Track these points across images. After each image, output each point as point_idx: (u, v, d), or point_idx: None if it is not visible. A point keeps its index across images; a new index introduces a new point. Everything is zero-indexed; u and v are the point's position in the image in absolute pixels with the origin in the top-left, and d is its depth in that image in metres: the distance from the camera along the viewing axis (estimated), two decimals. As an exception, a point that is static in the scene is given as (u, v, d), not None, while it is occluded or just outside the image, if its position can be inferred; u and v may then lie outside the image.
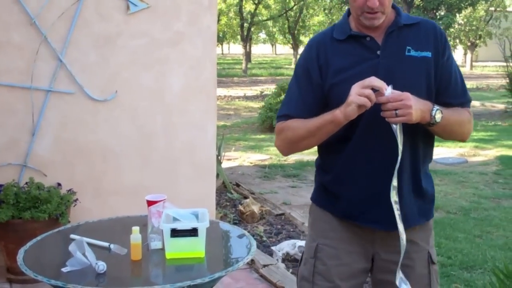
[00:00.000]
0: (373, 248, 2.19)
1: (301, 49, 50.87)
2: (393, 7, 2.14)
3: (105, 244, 2.54)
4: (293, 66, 37.61)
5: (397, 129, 1.94)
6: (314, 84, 2.11)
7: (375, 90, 1.91)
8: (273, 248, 4.68)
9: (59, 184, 4.25)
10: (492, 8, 30.87)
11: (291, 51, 43.24)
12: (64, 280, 2.17)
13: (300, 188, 7.29)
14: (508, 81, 15.41)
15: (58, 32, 4.19)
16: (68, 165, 4.36)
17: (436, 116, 1.97)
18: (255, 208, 5.65)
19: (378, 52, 2.05)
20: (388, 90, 1.90)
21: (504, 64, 15.56)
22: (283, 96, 12.51)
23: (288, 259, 4.54)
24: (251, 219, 5.59)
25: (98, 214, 3.54)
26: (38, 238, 2.65)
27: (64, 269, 2.25)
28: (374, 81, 1.90)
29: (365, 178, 2.10)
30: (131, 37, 4.38)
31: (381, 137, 2.02)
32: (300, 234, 5.23)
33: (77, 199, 4.22)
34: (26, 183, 4.10)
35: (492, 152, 9.83)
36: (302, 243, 4.62)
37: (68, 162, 4.36)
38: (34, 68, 4.15)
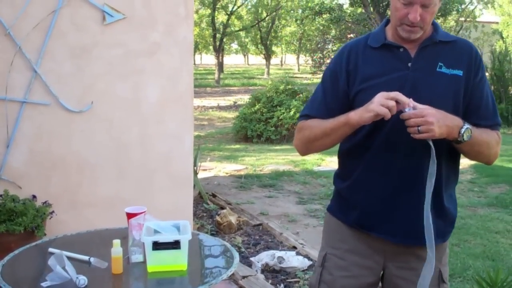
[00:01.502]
0: (384, 262, 2.18)
1: (273, 59, 51.10)
2: (433, 23, 2.13)
3: (85, 257, 2.49)
4: (265, 76, 37.75)
5: (432, 147, 1.94)
6: (340, 90, 2.13)
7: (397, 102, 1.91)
8: (252, 259, 4.65)
9: (34, 197, 4.18)
10: (463, 19, 31.36)
11: (264, 61, 43.39)
12: (44, 295, 2.13)
13: (276, 198, 7.28)
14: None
15: (33, 42, 4.13)
16: (43, 177, 4.29)
17: (465, 135, 1.95)
18: (233, 219, 5.62)
19: (409, 65, 2.05)
20: (409, 108, 1.90)
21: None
22: (257, 106, 12.57)
23: (268, 270, 4.51)
24: (228, 230, 5.56)
25: (74, 226, 3.49)
26: (16, 252, 2.59)
27: (44, 284, 2.20)
28: (400, 95, 1.91)
29: (381, 189, 2.09)
30: (107, 48, 4.34)
31: (401, 150, 2.03)
32: (279, 245, 5.21)
33: (53, 211, 4.15)
34: (1, 195, 4.01)
35: (466, 161, 9.82)
36: (281, 253, 4.61)
37: (43, 174, 4.29)
38: (9, 79, 4.09)
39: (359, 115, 1.96)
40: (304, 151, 2.28)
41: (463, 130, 1.95)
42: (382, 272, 2.23)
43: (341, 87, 2.12)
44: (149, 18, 4.45)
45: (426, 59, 2.05)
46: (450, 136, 1.95)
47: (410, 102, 1.90)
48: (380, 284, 2.28)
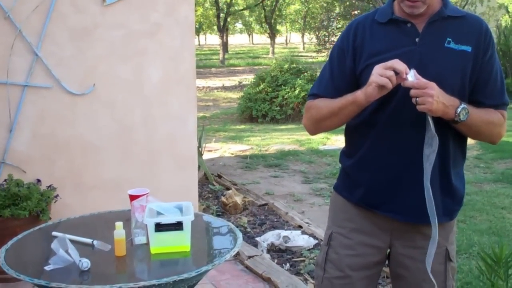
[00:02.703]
0: (391, 240, 2.17)
1: (278, 38, 50.89)
2: None
3: (88, 240, 2.49)
4: (270, 55, 37.60)
5: (430, 120, 1.92)
6: (347, 67, 2.11)
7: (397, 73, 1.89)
8: (257, 239, 4.66)
9: (38, 180, 4.18)
10: (467, -6, 31.06)
11: (268, 40, 43.20)
12: (47, 278, 2.13)
13: (282, 178, 7.28)
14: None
15: (33, 25, 4.10)
16: (47, 160, 4.28)
17: (461, 114, 1.94)
18: (238, 199, 5.62)
19: (417, 40, 2.02)
20: (411, 74, 1.88)
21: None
22: (262, 86, 12.53)
23: (273, 250, 4.52)
24: (234, 210, 5.56)
25: (79, 210, 3.49)
26: (19, 236, 2.59)
27: (47, 267, 2.21)
28: (396, 63, 1.89)
29: (387, 166, 2.08)
30: (108, 29, 4.31)
31: (407, 127, 2.01)
32: (284, 224, 5.21)
33: (57, 195, 4.15)
34: (5, 180, 4.02)
35: (471, 137, 9.87)
36: (286, 233, 4.61)
37: (47, 157, 4.28)
38: (10, 63, 4.07)
39: (364, 92, 1.95)
40: (313, 131, 2.27)
41: (459, 109, 1.93)
42: (388, 251, 2.22)
43: (348, 65, 2.10)
44: (150, -2, 4.41)
45: (434, 34, 2.02)
46: (446, 115, 1.94)
47: (406, 69, 1.88)
48: (386, 262, 2.27)
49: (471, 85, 2.03)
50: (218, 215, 5.29)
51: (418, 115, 1.94)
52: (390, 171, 2.07)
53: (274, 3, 37.64)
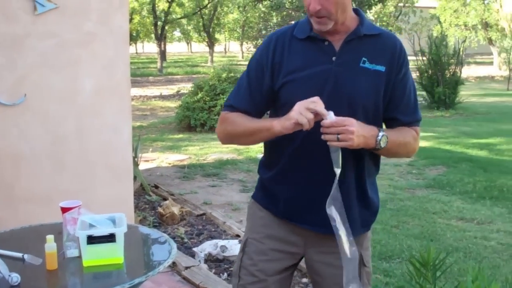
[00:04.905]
0: (305, 247, 2.20)
1: (217, 47, 50.99)
2: (358, 14, 2.12)
3: (19, 254, 2.43)
4: (209, 64, 37.58)
5: (337, 152, 1.95)
6: (265, 83, 2.12)
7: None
8: (194, 249, 4.64)
9: (-33, 194, 4.05)
10: (401, 4, 31.95)
11: (207, 49, 43.17)
12: (-26, 295, 2.07)
13: (220, 187, 7.28)
14: (418, 74, 15.99)
15: (-40, 34, 3.99)
16: (-23, 173, 4.16)
17: (381, 142, 1.98)
18: (175, 210, 5.59)
19: (334, 58, 2.03)
20: (330, 115, 1.90)
21: (414, 58, 16.14)
22: (200, 95, 12.52)
23: (211, 260, 4.51)
24: (171, 221, 5.52)
25: (10, 223, 3.39)
26: None
27: (-26, 284, 2.15)
28: (319, 106, 1.90)
29: (303, 181, 2.10)
30: (40, 38, 4.22)
31: (323, 145, 2.00)
32: (222, 234, 5.22)
33: (-13, 209, 4.03)
34: None
35: (404, 144, 10.13)
36: (224, 242, 4.61)
37: (-24, 170, 4.16)
38: None
39: (281, 124, 1.97)
40: (225, 143, 2.31)
41: (379, 138, 1.97)
42: (303, 256, 2.26)
43: (266, 81, 2.11)
44: (82, 7, 4.34)
45: (350, 53, 2.04)
46: (368, 146, 1.98)
47: (326, 113, 1.90)
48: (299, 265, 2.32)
49: (385, 103, 2.08)
50: (155, 226, 5.25)
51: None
52: (305, 187, 2.10)
53: (212, 12, 37.71)
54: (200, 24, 40.00)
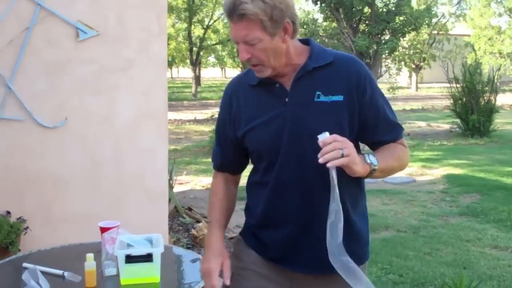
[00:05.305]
0: (291, 286, 2.11)
1: (250, 73, 51.13)
2: (309, 43, 2.03)
3: (59, 272, 2.52)
4: (242, 89, 37.70)
5: (334, 176, 1.81)
6: (230, 136, 2.12)
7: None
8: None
9: (8, 212, 4.18)
10: (435, 32, 31.86)
11: (241, 74, 43.41)
12: (18, 309, 2.16)
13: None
14: (452, 101, 15.87)
15: (7, 59, 4.16)
16: (17, 193, 4.30)
17: (371, 159, 1.89)
18: (208, 232, 5.64)
19: (286, 100, 1.95)
20: (326, 134, 1.79)
21: (448, 85, 16.03)
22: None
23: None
24: (204, 243, 5.58)
25: (48, 242, 3.50)
26: (-10, 268, 2.62)
27: (17, 299, 2.24)
28: (211, 280, 2.06)
29: (284, 226, 2.03)
30: (81, 64, 4.38)
31: (295, 188, 1.97)
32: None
33: (27, 227, 4.16)
34: (-26, 212, 4.02)
35: (438, 171, 10.09)
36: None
37: (17, 190, 4.30)
38: (-18, 96, 4.11)
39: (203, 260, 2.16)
40: None
41: (368, 159, 1.90)
42: None
43: (231, 133, 2.11)
44: (122, 34, 4.49)
45: (302, 90, 1.94)
46: (365, 168, 1.88)
47: (324, 133, 1.80)
48: None
49: (354, 130, 1.96)
50: (188, 248, 5.32)
51: (302, 175, 1.94)
52: (288, 231, 2.03)
53: (246, 38, 38.02)
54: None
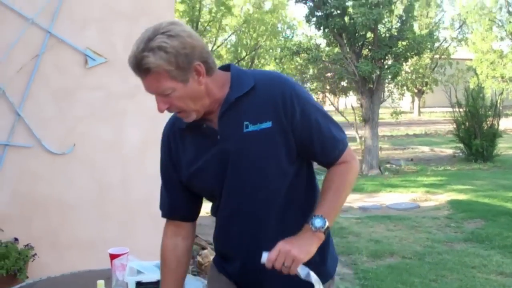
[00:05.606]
0: None
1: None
2: (230, 68, 1.91)
3: (70, 299, 2.54)
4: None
5: (300, 272, 1.76)
6: (174, 178, 2.03)
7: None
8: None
9: (16, 239, 4.20)
10: (437, 56, 31.99)
11: (243, 99, 43.62)
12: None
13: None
14: (455, 126, 15.91)
15: (16, 86, 4.21)
16: (25, 219, 4.32)
17: (317, 224, 1.81)
18: (213, 258, 5.64)
19: (218, 137, 1.86)
20: (265, 255, 1.77)
21: (451, 109, 16.05)
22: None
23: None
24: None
25: (56, 269, 3.50)
26: (0, 295, 2.63)
27: (29, 326, 2.25)
28: None
29: (235, 257, 2.02)
30: (89, 91, 4.43)
31: (242, 217, 1.93)
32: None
33: (35, 254, 4.17)
34: (-18, 239, 4.04)
35: (443, 197, 10.08)
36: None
37: (25, 216, 4.32)
38: (-9, 123, 4.15)
39: None
40: None
41: (313, 227, 1.81)
42: None
43: (174, 178, 2.03)
44: (131, 61, 4.53)
45: (230, 124, 1.84)
46: (319, 243, 1.81)
47: (262, 257, 1.77)
48: None
49: (294, 154, 1.87)
50: (194, 275, 5.31)
51: (247, 205, 1.90)
52: (238, 261, 2.01)
53: (250, 63, 38.29)
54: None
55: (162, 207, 2.14)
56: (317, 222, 1.81)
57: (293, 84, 1.89)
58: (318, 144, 1.89)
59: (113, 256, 2.68)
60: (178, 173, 1.99)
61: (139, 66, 1.74)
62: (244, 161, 1.84)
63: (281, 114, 1.82)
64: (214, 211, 2.03)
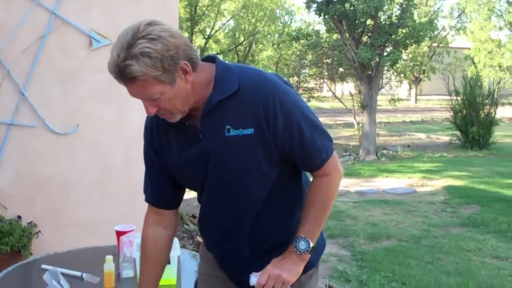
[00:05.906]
0: None
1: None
2: (215, 62, 1.86)
3: (78, 273, 2.60)
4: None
5: None
6: (157, 167, 1.99)
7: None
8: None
9: (19, 217, 4.26)
10: (435, 44, 31.98)
11: (241, 84, 43.52)
12: (40, 308, 2.23)
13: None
14: (452, 114, 15.97)
15: (22, 66, 4.25)
16: (28, 198, 4.37)
17: (301, 247, 1.85)
18: (213, 239, 5.71)
19: (201, 136, 1.82)
20: (254, 278, 1.83)
21: (448, 97, 16.10)
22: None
23: None
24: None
25: (58, 247, 3.56)
26: (9, 268, 2.68)
27: (39, 298, 2.31)
28: None
29: (213, 248, 2.06)
30: (94, 72, 4.46)
31: (222, 214, 1.94)
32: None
33: (39, 231, 4.23)
34: (-13, 216, 4.10)
35: (439, 182, 10.16)
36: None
37: (28, 195, 4.38)
38: (-4, 102, 4.20)
39: None
40: None
41: (298, 249, 1.85)
42: None
43: (157, 165, 1.99)
44: (134, 43, 4.57)
45: (212, 124, 1.80)
46: (305, 262, 1.88)
47: (251, 280, 1.83)
48: None
49: (274, 162, 1.84)
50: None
51: (227, 204, 1.91)
52: (215, 252, 2.06)
53: (247, 48, 38.23)
54: (236, 60, 40.52)
55: (145, 191, 2.10)
56: (301, 245, 1.85)
57: (278, 88, 1.81)
58: (299, 153, 1.85)
59: (119, 233, 2.75)
60: (160, 160, 1.96)
61: (123, 75, 1.65)
62: (224, 163, 1.82)
63: (262, 122, 1.77)
64: (198, 199, 2.03)
